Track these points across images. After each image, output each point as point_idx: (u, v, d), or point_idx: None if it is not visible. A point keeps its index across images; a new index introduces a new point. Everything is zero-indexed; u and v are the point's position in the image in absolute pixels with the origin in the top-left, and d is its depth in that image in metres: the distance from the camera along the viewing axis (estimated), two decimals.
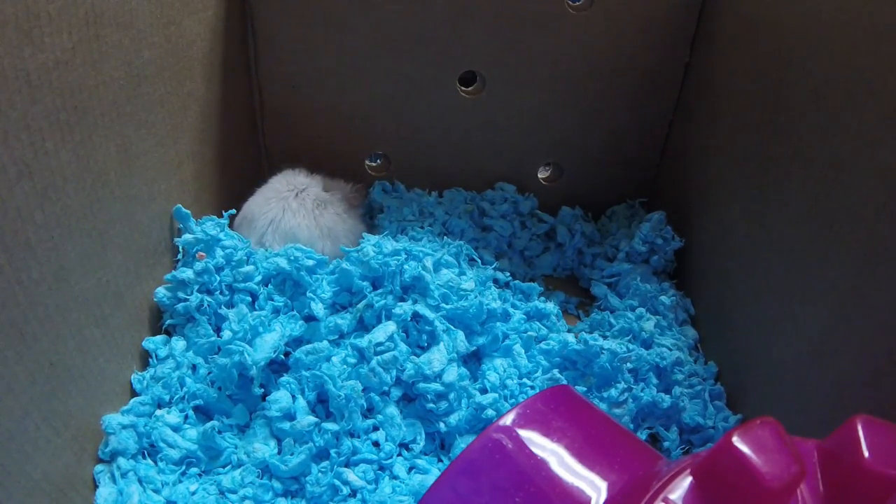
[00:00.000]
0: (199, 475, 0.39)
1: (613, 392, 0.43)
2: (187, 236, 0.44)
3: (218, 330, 0.43)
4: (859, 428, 0.21)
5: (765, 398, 0.42)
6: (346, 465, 0.39)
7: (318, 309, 0.43)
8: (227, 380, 0.40)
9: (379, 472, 0.39)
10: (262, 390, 0.41)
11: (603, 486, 0.25)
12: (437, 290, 0.43)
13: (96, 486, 0.37)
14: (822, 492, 0.22)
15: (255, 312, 0.43)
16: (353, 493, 0.38)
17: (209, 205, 0.52)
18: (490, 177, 0.63)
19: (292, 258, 0.44)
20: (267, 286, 0.45)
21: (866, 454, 0.20)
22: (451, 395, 0.40)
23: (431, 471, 0.39)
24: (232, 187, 0.55)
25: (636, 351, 0.45)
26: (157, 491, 0.37)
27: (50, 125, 0.31)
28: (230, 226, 0.48)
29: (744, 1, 0.48)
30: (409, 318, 0.42)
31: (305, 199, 0.51)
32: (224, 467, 0.39)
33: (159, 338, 0.43)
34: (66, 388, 0.34)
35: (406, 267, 0.43)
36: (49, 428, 0.33)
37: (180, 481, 0.38)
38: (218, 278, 0.44)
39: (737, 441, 0.20)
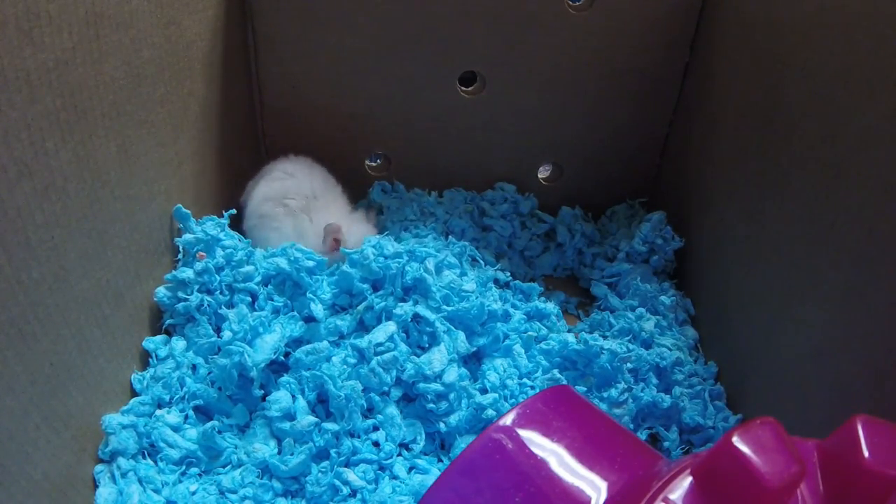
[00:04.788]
0: (199, 475, 0.39)
1: (613, 392, 0.43)
2: (187, 236, 0.44)
3: (218, 330, 0.43)
4: (859, 428, 0.21)
5: (765, 398, 0.42)
6: (346, 465, 0.39)
7: (317, 310, 0.43)
8: (227, 380, 0.40)
9: (379, 472, 0.39)
10: (262, 391, 0.41)
11: (603, 486, 0.25)
12: (439, 291, 0.43)
13: (96, 486, 0.37)
14: (822, 492, 0.22)
15: (255, 313, 0.43)
16: (353, 493, 0.38)
17: (209, 205, 0.51)
18: (490, 177, 0.63)
19: (292, 258, 0.44)
20: (267, 286, 0.45)
21: (866, 454, 0.20)
22: (452, 396, 0.40)
23: (431, 471, 0.39)
24: (232, 187, 0.55)
25: (636, 351, 0.45)
26: (157, 491, 0.37)
27: (50, 125, 0.31)
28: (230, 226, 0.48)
29: (744, 1, 0.48)
30: (409, 319, 0.42)
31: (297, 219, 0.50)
32: (224, 467, 0.39)
33: (159, 338, 0.43)
34: (66, 388, 0.34)
35: (408, 269, 0.43)
36: (49, 428, 0.33)
37: (180, 481, 0.38)
38: (218, 278, 0.44)
39: (737, 441, 0.20)
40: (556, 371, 0.44)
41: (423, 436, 0.40)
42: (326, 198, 0.52)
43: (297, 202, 0.50)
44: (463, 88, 0.58)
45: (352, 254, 0.44)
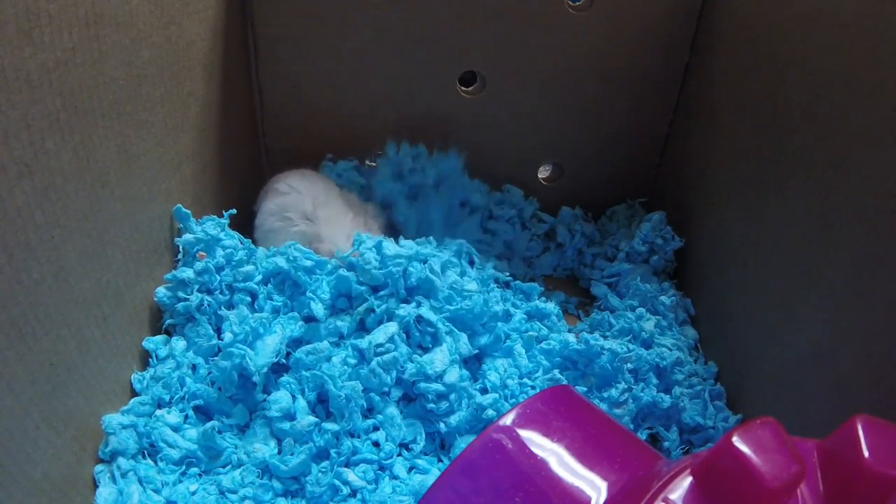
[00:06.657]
0: (199, 475, 0.39)
1: (613, 392, 0.43)
2: (188, 236, 0.44)
3: (218, 330, 0.43)
4: (859, 428, 0.21)
5: (765, 398, 0.42)
6: (346, 465, 0.39)
7: (318, 309, 0.43)
8: (227, 382, 0.40)
9: (379, 472, 0.39)
10: (263, 395, 0.41)
11: (603, 486, 0.25)
12: (442, 292, 0.43)
13: (96, 486, 0.37)
14: (822, 492, 0.22)
15: (256, 315, 0.43)
16: (353, 493, 0.38)
17: (209, 205, 0.51)
18: (490, 177, 0.63)
19: (291, 258, 0.44)
20: (267, 285, 0.45)
21: (866, 454, 0.20)
22: (452, 396, 0.40)
23: (431, 471, 0.39)
24: (232, 187, 0.55)
25: (636, 351, 0.45)
26: (157, 491, 0.37)
27: (50, 125, 0.31)
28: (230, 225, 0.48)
29: (744, 1, 0.48)
30: (411, 321, 0.42)
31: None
32: (224, 467, 0.39)
33: (159, 338, 0.43)
34: (66, 388, 0.34)
35: (411, 269, 0.43)
36: (49, 428, 0.33)
37: (180, 481, 0.38)
38: (218, 278, 0.44)
39: (737, 441, 0.20)
40: (556, 371, 0.44)
41: (423, 436, 0.40)
42: (330, 210, 0.52)
43: (297, 217, 0.51)
44: (463, 88, 0.58)
45: (349, 257, 0.43)
